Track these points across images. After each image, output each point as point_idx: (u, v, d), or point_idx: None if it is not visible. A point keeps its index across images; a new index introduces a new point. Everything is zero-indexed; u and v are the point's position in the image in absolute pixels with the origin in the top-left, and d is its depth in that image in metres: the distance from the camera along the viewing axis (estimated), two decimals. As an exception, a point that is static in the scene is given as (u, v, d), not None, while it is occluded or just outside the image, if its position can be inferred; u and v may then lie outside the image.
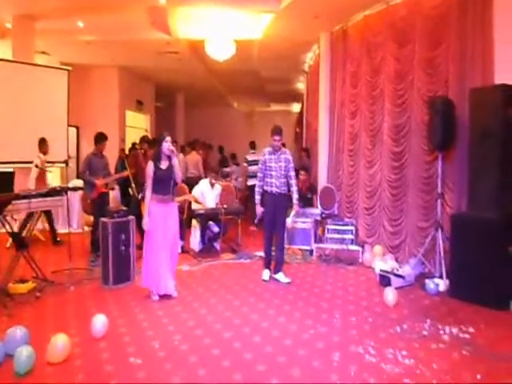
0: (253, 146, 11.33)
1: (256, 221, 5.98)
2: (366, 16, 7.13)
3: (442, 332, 4.01)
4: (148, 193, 4.93)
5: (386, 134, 6.61)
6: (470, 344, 3.76)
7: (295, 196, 5.78)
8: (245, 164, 10.99)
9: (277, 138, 5.63)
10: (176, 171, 5.01)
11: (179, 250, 6.63)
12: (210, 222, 7.28)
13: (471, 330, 4.05)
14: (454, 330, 4.04)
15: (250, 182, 10.51)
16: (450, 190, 5.61)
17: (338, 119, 8.01)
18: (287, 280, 5.59)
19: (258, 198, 5.74)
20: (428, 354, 3.57)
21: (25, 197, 5.11)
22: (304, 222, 7.17)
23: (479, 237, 4.74)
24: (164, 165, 4.96)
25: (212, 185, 7.54)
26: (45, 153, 7.23)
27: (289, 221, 5.84)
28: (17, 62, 7.75)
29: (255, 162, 10.83)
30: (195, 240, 7.29)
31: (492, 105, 4.81)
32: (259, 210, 5.74)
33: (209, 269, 6.31)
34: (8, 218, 5.12)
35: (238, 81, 13.42)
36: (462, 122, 5.37)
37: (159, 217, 4.90)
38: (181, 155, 10.30)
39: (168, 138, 4.96)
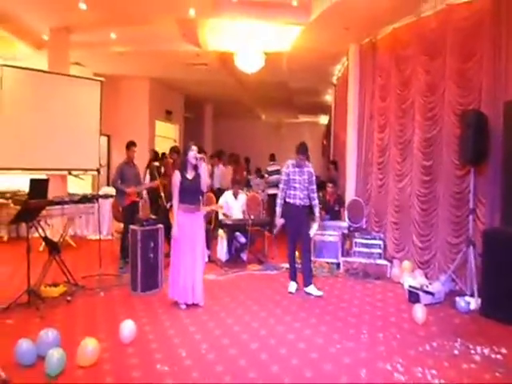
0: (272, 158, 11.99)
1: (274, 232, 5.99)
2: (395, 28, 7.09)
3: (473, 352, 3.90)
4: (175, 202, 4.98)
5: (416, 148, 6.53)
6: (502, 365, 3.64)
7: (317, 210, 5.77)
8: (266, 175, 11.18)
9: (302, 157, 5.65)
10: (202, 180, 5.06)
11: (206, 260, 6.70)
12: (237, 233, 7.31)
13: (504, 351, 3.93)
14: (486, 351, 3.92)
15: (270, 191, 10.59)
16: (483, 205, 5.48)
17: (367, 132, 7.96)
18: (319, 293, 5.54)
19: (278, 210, 5.72)
20: (458, 374, 3.48)
21: (58, 203, 5.25)
22: (331, 235, 7.12)
23: (513, 254, 4.62)
24: (190, 174, 5.02)
25: (236, 195, 7.60)
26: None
27: (311, 233, 5.80)
28: (52, 73, 7.98)
29: (276, 172, 10.99)
30: (222, 250, 7.32)
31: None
32: (279, 221, 5.73)
33: (235, 279, 6.33)
34: (41, 223, 5.25)
35: (266, 92, 13.51)
36: (496, 135, 5.26)
37: (186, 226, 4.95)
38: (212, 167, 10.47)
39: (194, 148, 5.02)
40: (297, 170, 5.69)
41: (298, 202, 5.66)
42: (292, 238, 5.77)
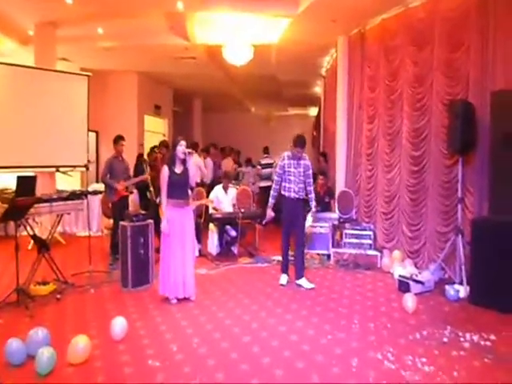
0: (266, 151, 12.01)
1: (264, 222, 5.97)
2: (384, 19, 7.09)
3: (462, 339, 3.95)
4: (164, 197, 4.96)
5: (404, 138, 6.56)
6: (491, 352, 3.69)
7: (313, 203, 5.77)
8: (258, 167, 11.21)
9: (300, 150, 5.61)
10: (191, 175, 5.04)
11: (197, 254, 6.70)
12: (228, 226, 7.30)
13: (492, 337, 3.98)
14: (475, 338, 3.97)
15: (262, 184, 10.61)
16: (471, 195, 5.53)
17: (356, 123, 7.97)
18: (311, 285, 5.56)
19: (271, 201, 5.74)
20: (448, 362, 3.52)
21: (46, 200, 5.21)
22: (322, 227, 7.15)
23: (501, 241, 4.66)
24: (179, 169, 5.00)
25: (225, 189, 7.59)
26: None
27: (306, 226, 5.82)
28: (39, 69, 7.88)
29: (268, 166, 11.04)
30: (213, 244, 7.32)
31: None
32: (270, 213, 5.75)
33: (226, 273, 6.33)
34: (30, 220, 5.21)
35: (255, 85, 13.45)
36: (483, 125, 5.30)
37: (175, 221, 4.94)
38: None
39: (182, 142, 5.00)
40: (292, 162, 5.65)
41: (292, 194, 5.64)
42: (286, 231, 5.75)
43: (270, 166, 11.21)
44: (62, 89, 7.90)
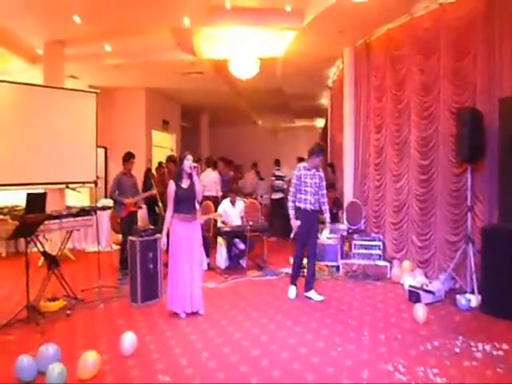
0: (277, 163, 12.10)
1: (292, 235, 5.76)
2: (390, 29, 7.12)
3: (474, 349, 3.89)
4: (169, 212, 4.97)
5: (412, 147, 6.54)
6: (503, 361, 3.64)
7: (327, 215, 5.73)
8: (272, 178, 11.29)
9: (319, 159, 5.62)
10: (197, 189, 5.06)
11: (205, 267, 6.70)
12: (236, 240, 7.30)
13: (505, 346, 3.92)
14: (487, 347, 3.91)
15: (275, 196, 10.63)
16: (480, 203, 5.48)
17: (363, 133, 7.97)
18: (320, 298, 5.50)
19: (292, 212, 5.58)
20: (460, 372, 3.46)
21: (56, 217, 5.25)
22: (330, 238, 7.11)
23: (512, 250, 4.61)
24: (185, 184, 5.01)
25: (233, 203, 7.60)
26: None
27: (323, 238, 5.77)
28: (47, 87, 8.00)
29: (280, 178, 11.07)
30: (221, 257, 7.31)
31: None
32: (296, 223, 5.55)
33: (235, 286, 6.31)
34: (40, 237, 5.24)
35: (262, 98, 13.52)
36: (491, 132, 5.27)
37: (183, 235, 4.94)
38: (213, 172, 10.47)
39: (189, 157, 5.02)
40: (308, 173, 5.61)
41: (308, 206, 5.58)
42: (301, 243, 5.67)
43: (281, 178, 11.29)
44: (70, 106, 8.00)
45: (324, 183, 5.74)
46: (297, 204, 5.61)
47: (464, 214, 5.60)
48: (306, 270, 5.75)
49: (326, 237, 5.84)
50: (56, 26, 7.50)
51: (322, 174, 5.74)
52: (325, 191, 5.73)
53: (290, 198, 5.68)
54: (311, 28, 7.30)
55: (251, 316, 4.96)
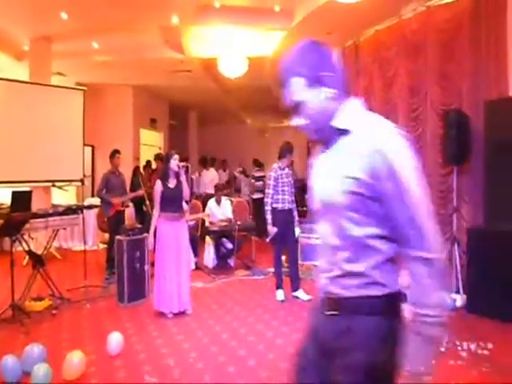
0: (257, 163, 12.16)
1: (268, 239, 5.71)
2: (378, 31, 7.14)
3: (459, 348, 3.93)
4: (156, 212, 4.95)
5: (399, 148, 6.57)
6: (488, 360, 3.68)
7: (296, 214, 5.75)
8: (252, 180, 11.33)
9: (290, 157, 5.66)
10: (184, 188, 5.04)
11: (193, 267, 6.68)
12: (224, 239, 7.29)
13: (490, 345, 3.97)
14: (473, 346, 3.95)
15: (256, 196, 10.70)
16: (466, 204, 5.54)
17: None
18: (308, 297, 5.51)
19: (269, 217, 5.49)
20: (446, 371, 3.49)
21: (42, 215, 5.19)
22: (318, 238, 7.12)
23: (497, 250, 4.66)
24: (172, 183, 4.99)
25: (218, 202, 7.59)
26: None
27: (298, 235, 5.78)
28: (34, 84, 7.91)
29: (261, 178, 11.16)
30: (209, 257, 7.30)
31: (508, 117, 4.78)
32: (273, 230, 5.47)
33: (223, 286, 6.30)
34: (25, 236, 5.18)
35: (250, 97, 13.50)
36: (477, 134, 5.32)
37: (170, 235, 4.92)
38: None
39: (176, 156, 5.00)
40: (283, 172, 5.60)
41: (286, 206, 5.56)
42: (280, 245, 5.66)
43: (261, 178, 11.35)
44: (57, 103, 7.93)
45: (293, 181, 5.76)
46: (274, 205, 5.53)
47: (450, 214, 5.65)
48: (288, 269, 5.76)
49: (299, 235, 5.83)
50: (43, 22, 7.41)
51: (290, 171, 5.76)
52: (293, 190, 5.75)
53: (267, 200, 5.54)
54: (300, 28, 7.30)
55: (239, 316, 4.96)
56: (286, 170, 5.65)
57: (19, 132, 7.46)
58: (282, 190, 5.57)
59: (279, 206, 5.56)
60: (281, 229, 5.53)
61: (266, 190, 5.65)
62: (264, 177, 11.26)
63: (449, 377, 3.40)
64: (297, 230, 5.77)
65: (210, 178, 10.73)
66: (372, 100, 7.31)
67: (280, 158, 5.66)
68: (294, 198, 5.73)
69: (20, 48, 8.49)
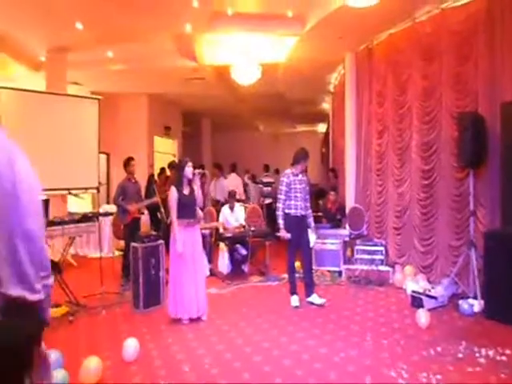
0: (266, 169, 12.57)
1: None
2: (391, 34, 7.13)
3: (477, 354, 3.87)
4: (174, 218, 4.97)
5: (414, 152, 6.54)
6: (507, 366, 3.62)
7: (311, 219, 5.75)
8: (260, 185, 11.36)
9: (305, 163, 5.64)
10: (197, 196, 5.07)
11: (207, 273, 6.69)
12: (238, 245, 7.29)
13: (508, 352, 3.90)
14: (491, 353, 3.89)
15: (265, 201, 10.72)
16: (483, 207, 5.47)
17: (365, 138, 7.97)
18: (322, 301, 5.48)
19: (281, 222, 5.49)
20: (463, 378, 3.45)
21: (59, 223, 5.26)
22: (332, 243, 7.11)
23: (514, 254, 4.59)
24: (186, 190, 5.03)
25: (231, 208, 7.61)
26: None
27: (312, 244, 5.76)
28: (50, 93, 8.03)
29: (269, 184, 11.19)
30: (223, 263, 7.31)
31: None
32: (286, 235, 5.46)
33: (237, 292, 6.30)
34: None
35: (263, 104, 13.55)
36: (493, 137, 5.27)
37: (186, 241, 4.94)
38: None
39: (190, 164, 5.05)
40: (297, 179, 5.59)
41: (299, 212, 5.55)
42: (293, 250, 5.64)
43: (270, 184, 11.39)
44: (72, 112, 8.01)
45: (308, 188, 5.74)
46: (286, 211, 5.53)
47: (466, 218, 5.59)
48: (302, 273, 5.73)
49: (314, 242, 5.81)
50: (58, 32, 7.55)
51: (306, 178, 5.74)
52: (308, 196, 5.73)
53: (279, 205, 5.56)
54: (313, 34, 7.32)
55: (253, 322, 4.95)
56: (300, 176, 5.63)
57: (35, 141, 7.54)
58: (295, 196, 5.55)
59: (292, 211, 5.54)
60: (294, 235, 5.51)
61: (278, 196, 5.66)
62: (273, 182, 11.33)
63: (466, 383, 3.35)
64: (313, 237, 5.74)
65: (235, 184, 10.78)
66: (386, 104, 7.29)
67: (294, 163, 5.65)
68: (308, 204, 5.71)
69: (37, 59, 8.65)
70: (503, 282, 4.65)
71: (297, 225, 5.54)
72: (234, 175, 11.49)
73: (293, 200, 5.55)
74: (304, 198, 5.61)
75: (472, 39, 5.62)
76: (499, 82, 5.29)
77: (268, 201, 10.85)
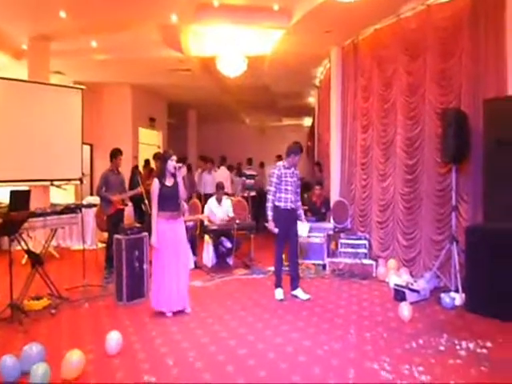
0: (250, 162, 12.89)
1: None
2: (377, 29, 7.16)
3: (458, 347, 3.94)
4: (154, 210, 4.93)
5: (398, 147, 6.59)
6: (487, 359, 3.68)
7: (301, 211, 5.76)
8: (243, 178, 11.43)
9: (298, 157, 5.59)
10: (180, 189, 5.03)
11: (192, 266, 6.67)
12: (223, 238, 7.28)
13: (489, 344, 3.98)
14: (471, 345, 3.96)
15: (246, 194, 10.79)
16: (465, 202, 5.56)
17: (350, 133, 8.01)
18: (307, 296, 5.51)
19: (270, 214, 5.50)
20: (445, 370, 3.50)
21: (40, 215, 5.18)
22: (317, 237, 7.14)
23: (495, 249, 4.67)
24: (169, 182, 4.99)
25: (219, 201, 7.59)
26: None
27: (306, 234, 5.77)
28: (32, 82, 7.90)
29: (251, 177, 11.27)
30: (208, 256, 7.30)
31: (507, 115, 4.79)
32: (273, 227, 5.46)
33: (222, 285, 6.30)
34: (24, 235, 5.17)
35: (249, 97, 13.51)
36: (476, 133, 5.35)
37: (168, 234, 4.92)
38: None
39: (173, 157, 4.99)
40: (288, 172, 5.58)
41: (289, 205, 5.55)
42: (281, 243, 5.64)
43: (252, 177, 11.44)
44: (56, 102, 7.92)
45: (299, 182, 5.75)
46: (276, 203, 5.54)
47: (449, 213, 5.67)
48: (288, 267, 5.75)
49: (306, 235, 5.82)
50: (41, 20, 7.40)
51: (297, 172, 5.74)
52: (299, 190, 5.74)
53: (269, 197, 5.55)
54: (298, 27, 7.31)
55: (238, 315, 4.96)
56: (292, 169, 5.62)
57: (18, 131, 7.45)
58: (286, 189, 5.55)
59: (282, 204, 5.55)
60: (283, 227, 5.52)
61: (268, 187, 5.67)
62: (256, 175, 11.43)
63: (448, 376, 3.41)
64: (306, 226, 5.70)
65: (224, 177, 10.75)
66: (371, 99, 7.32)
67: (286, 157, 5.65)
68: (299, 198, 5.72)
69: (19, 47, 8.48)
70: (484, 276, 4.73)
71: (286, 218, 5.55)
72: (223, 168, 11.50)
73: (283, 193, 5.54)
74: (295, 191, 5.61)
75: (457, 36, 5.68)
76: (483, 79, 5.36)
77: (251, 193, 10.87)
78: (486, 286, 4.70)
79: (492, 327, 4.42)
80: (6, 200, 5.35)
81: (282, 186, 5.55)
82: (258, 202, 10.47)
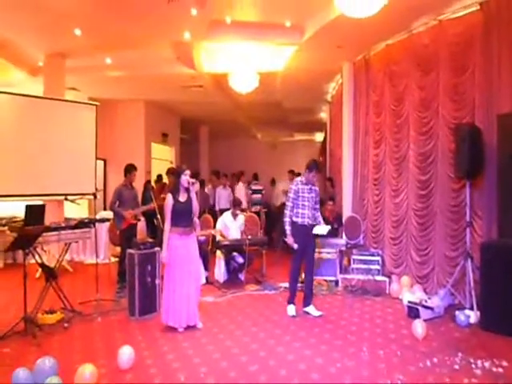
0: (256, 177, 12.75)
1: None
2: (388, 45, 7.18)
3: (473, 366, 3.87)
4: (167, 226, 4.95)
5: (411, 163, 6.56)
6: (503, 378, 3.61)
7: (321, 218, 5.74)
8: (249, 191, 11.48)
9: (315, 174, 5.59)
10: (194, 204, 5.05)
11: (204, 281, 6.67)
12: (235, 253, 7.28)
13: (504, 363, 3.90)
14: (487, 364, 3.89)
15: (253, 209, 10.83)
16: (479, 218, 5.50)
17: (362, 148, 7.99)
18: (319, 313, 5.46)
19: (289, 228, 5.49)
20: (461, 389, 3.45)
21: (55, 229, 5.24)
22: (329, 253, 7.10)
23: (511, 265, 4.60)
24: (183, 197, 5.01)
25: (235, 216, 7.59)
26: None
27: (325, 231, 5.71)
28: (47, 99, 8.04)
29: (258, 192, 11.32)
30: (220, 271, 7.28)
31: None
32: (292, 242, 5.45)
33: (233, 300, 6.28)
34: (38, 249, 5.23)
35: (261, 112, 13.59)
36: (490, 148, 5.31)
37: (181, 250, 4.93)
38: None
39: (187, 172, 5.02)
40: (306, 187, 5.57)
41: (306, 221, 5.53)
42: (299, 259, 5.60)
43: (259, 192, 11.48)
44: (70, 118, 8.03)
45: (318, 198, 5.74)
46: (294, 219, 5.54)
47: (463, 229, 5.61)
48: (303, 285, 5.72)
49: (326, 230, 5.72)
50: (57, 38, 7.56)
51: (317, 188, 5.74)
52: (318, 206, 5.74)
53: (287, 212, 5.56)
54: (311, 43, 7.36)
55: (250, 331, 4.93)
56: (310, 185, 5.60)
57: (33, 146, 7.56)
58: (303, 205, 5.53)
59: (299, 220, 5.53)
60: (300, 244, 5.49)
61: (286, 203, 5.69)
62: (262, 190, 11.51)
63: (463, 394, 3.34)
64: (325, 228, 5.62)
65: (241, 194, 10.87)
66: (383, 114, 7.33)
67: (304, 173, 5.66)
68: (318, 213, 5.70)
69: (35, 64, 8.66)
70: (499, 294, 4.65)
71: (303, 234, 5.52)
72: (241, 184, 11.65)
73: (300, 208, 5.53)
74: (312, 207, 5.59)
75: (469, 51, 5.67)
76: (496, 94, 5.33)
77: (255, 209, 10.93)
78: (501, 303, 4.62)
79: (508, 346, 4.34)
80: (21, 214, 5.41)
81: (299, 201, 5.54)
82: (270, 217, 10.51)
